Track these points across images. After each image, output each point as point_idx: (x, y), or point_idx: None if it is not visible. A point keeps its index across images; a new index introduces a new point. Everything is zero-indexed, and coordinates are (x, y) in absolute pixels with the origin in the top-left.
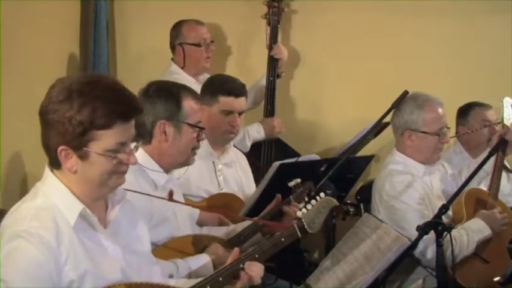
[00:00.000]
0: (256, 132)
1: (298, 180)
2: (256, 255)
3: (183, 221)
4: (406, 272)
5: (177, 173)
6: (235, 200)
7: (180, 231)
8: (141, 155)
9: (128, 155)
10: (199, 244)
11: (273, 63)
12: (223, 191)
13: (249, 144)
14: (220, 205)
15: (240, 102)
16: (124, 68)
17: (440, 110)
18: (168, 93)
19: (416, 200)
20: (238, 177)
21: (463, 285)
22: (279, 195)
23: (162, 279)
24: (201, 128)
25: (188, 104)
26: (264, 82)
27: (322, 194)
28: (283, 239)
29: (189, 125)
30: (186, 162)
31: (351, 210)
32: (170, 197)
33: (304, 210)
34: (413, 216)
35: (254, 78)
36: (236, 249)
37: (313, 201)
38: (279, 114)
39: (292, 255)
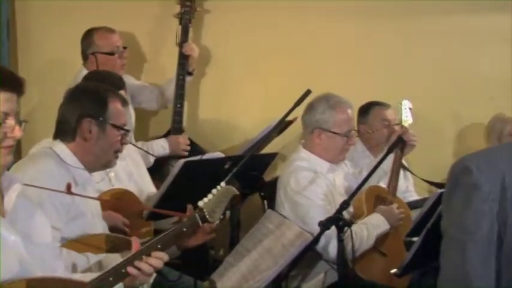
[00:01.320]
0: (161, 148)
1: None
2: (159, 246)
3: (99, 220)
4: (308, 266)
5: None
6: (128, 195)
7: (96, 229)
8: (64, 151)
9: (13, 128)
10: (110, 243)
11: (183, 60)
12: (115, 187)
13: (152, 160)
14: (113, 202)
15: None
16: (26, 68)
17: (350, 112)
18: (95, 92)
19: (320, 196)
20: (129, 170)
21: (362, 278)
22: (190, 206)
23: (67, 273)
24: (126, 131)
25: (114, 106)
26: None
27: (222, 184)
28: (185, 229)
29: (114, 126)
30: (108, 164)
31: None
32: (68, 189)
33: (205, 199)
34: (316, 211)
35: (167, 77)
36: (136, 240)
37: (214, 191)
38: (188, 111)
39: (197, 252)
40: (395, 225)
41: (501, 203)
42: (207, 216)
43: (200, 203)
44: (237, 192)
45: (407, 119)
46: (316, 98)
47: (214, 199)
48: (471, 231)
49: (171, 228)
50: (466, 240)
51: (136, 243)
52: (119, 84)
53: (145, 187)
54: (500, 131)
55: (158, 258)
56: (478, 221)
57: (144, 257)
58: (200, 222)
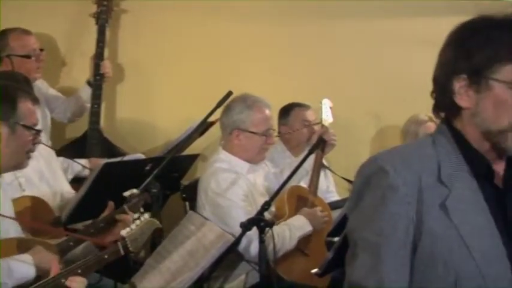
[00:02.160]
0: (81, 168)
1: (134, 190)
2: (79, 271)
3: (12, 223)
4: (230, 267)
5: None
6: (39, 203)
7: (7, 234)
8: None
9: None
10: (23, 247)
11: (99, 61)
12: (26, 193)
13: (70, 177)
14: (22, 211)
15: None
16: None
17: (267, 112)
18: (3, 93)
19: (241, 197)
20: (40, 170)
21: (284, 278)
22: (111, 203)
23: None
24: (38, 131)
25: (24, 105)
26: (83, 94)
27: (146, 215)
28: (106, 256)
29: (25, 126)
30: (20, 165)
31: None
32: None
33: (128, 229)
34: (238, 212)
35: (85, 77)
36: (56, 264)
37: (137, 222)
38: (106, 112)
39: None
40: (318, 228)
41: (417, 206)
42: (129, 246)
43: (123, 233)
44: (160, 226)
45: (327, 118)
46: (234, 99)
47: (137, 229)
48: (387, 234)
49: (93, 256)
50: (381, 243)
51: (55, 267)
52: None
53: (57, 186)
54: (415, 132)
55: (79, 283)
56: (394, 223)
57: (63, 280)
58: (122, 252)
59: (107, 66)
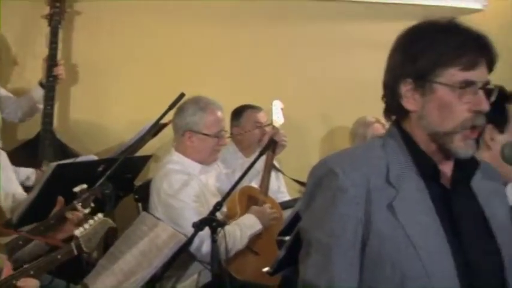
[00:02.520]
0: (25, 177)
1: (84, 185)
2: (31, 272)
3: None
4: (182, 267)
5: None
6: None
7: None
8: None
9: None
10: None
11: (52, 62)
12: None
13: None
14: None
15: None
16: None
17: (220, 114)
18: None
19: (193, 198)
20: None
21: (236, 277)
22: (61, 198)
23: None
24: None
25: None
26: (35, 95)
27: (100, 215)
28: (59, 257)
29: None
30: None
31: None
32: None
33: (81, 229)
34: (190, 213)
35: (37, 79)
36: (7, 264)
37: (91, 221)
38: (59, 114)
39: None
40: (267, 225)
41: (366, 206)
42: (83, 246)
43: (77, 232)
44: (114, 225)
45: (278, 119)
46: (186, 101)
47: (90, 229)
48: (337, 235)
49: (45, 256)
50: (331, 243)
51: (7, 268)
52: None
53: (9, 187)
54: (363, 134)
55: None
56: (343, 224)
57: (14, 282)
58: (75, 252)
59: (60, 68)
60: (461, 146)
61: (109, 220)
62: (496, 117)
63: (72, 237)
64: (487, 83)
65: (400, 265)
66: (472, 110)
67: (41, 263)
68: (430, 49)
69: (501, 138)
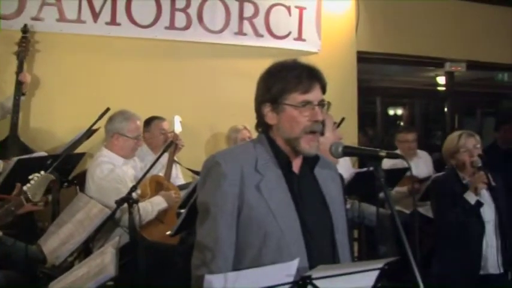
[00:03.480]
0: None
1: (37, 174)
2: None
3: None
4: (108, 231)
5: None
6: None
7: None
8: None
9: None
10: None
11: (19, 86)
12: None
13: None
14: None
15: None
16: None
17: (138, 122)
18: None
19: (117, 181)
20: None
21: (147, 239)
22: (18, 184)
23: None
24: None
25: None
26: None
27: (42, 172)
28: (13, 208)
29: None
30: None
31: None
32: None
33: (28, 185)
34: (114, 193)
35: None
36: None
37: (35, 177)
38: (22, 122)
39: (27, 224)
40: (171, 205)
41: (240, 186)
42: (30, 197)
43: (24, 188)
44: (54, 177)
45: (178, 128)
46: (116, 113)
47: (35, 184)
48: (220, 206)
49: (1, 208)
50: (217, 212)
51: None
52: None
53: None
54: (235, 137)
55: None
56: (225, 199)
57: None
58: (25, 202)
59: (25, 76)
60: (306, 147)
61: (50, 175)
62: None
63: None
64: (321, 100)
65: (264, 225)
66: (311, 120)
67: (0, 214)
68: (279, 81)
69: (323, 139)
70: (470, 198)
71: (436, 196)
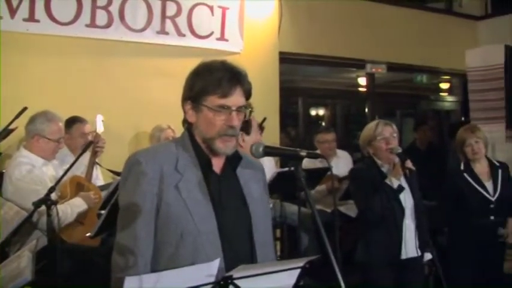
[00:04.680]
0: None
1: None
2: None
3: None
4: (26, 234)
5: None
6: None
7: None
8: None
9: None
10: None
11: None
12: None
13: None
14: None
15: None
16: None
17: (61, 125)
18: None
19: (36, 182)
20: None
21: (66, 241)
22: None
23: None
24: None
25: None
26: None
27: None
28: None
29: None
30: None
31: None
32: None
33: None
34: (32, 194)
35: None
36: None
37: None
38: None
39: None
40: (91, 206)
41: (159, 185)
42: None
43: None
44: None
45: (100, 128)
46: (37, 113)
47: None
48: (139, 204)
49: None
50: (136, 210)
51: None
52: None
53: None
54: (158, 136)
55: None
56: (144, 198)
57: None
58: None
59: None
60: (222, 147)
61: None
62: (244, 126)
63: None
64: (241, 106)
65: (181, 224)
66: (226, 125)
67: None
68: (201, 81)
69: (248, 139)
70: (393, 182)
71: (356, 184)
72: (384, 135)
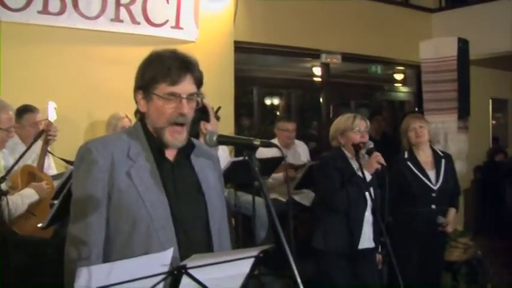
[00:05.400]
0: None
1: None
2: None
3: None
4: None
5: None
6: None
7: None
8: None
9: None
10: None
11: None
12: None
13: None
14: None
15: None
16: None
17: (11, 113)
18: None
19: None
20: None
21: (18, 233)
22: None
23: None
24: None
25: None
26: None
27: None
28: None
29: None
30: None
31: None
32: None
33: None
34: None
35: None
36: None
37: None
38: None
39: None
40: (43, 197)
41: (110, 173)
42: None
43: None
44: None
45: (52, 116)
46: None
47: None
48: (90, 192)
49: None
50: (87, 199)
51: None
52: None
53: None
54: (115, 125)
55: None
56: (95, 186)
57: None
58: None
59: None
60: (170, 139)
61: None
62: (202, 115)
63: None
64: (192, 94)
65: (133, 212)
66: (176, 112)
67: None
68: (151, 69)
69: (209, 126)
70: (366, 175)
71: (325, 173)
72: (359, 128)
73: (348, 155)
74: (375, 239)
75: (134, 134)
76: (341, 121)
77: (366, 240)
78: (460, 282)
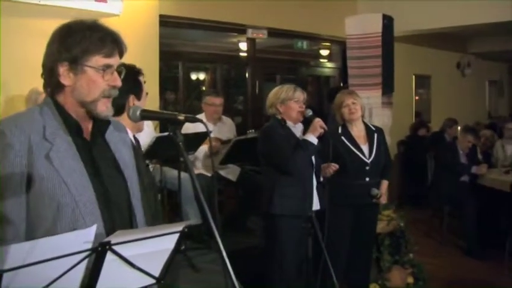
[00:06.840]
0: None
1: None
2: None
3: None
4: None
5: None
6: None
7: None
8: None
9: None
10: None
11: None
12: None
13: None
14: None
15: None
16: None
17: None
18: None
19: None
20: None
21: None
22: None
23: None
24: None
25: None
26: None
27: None
28: None
29: None
30: None
31: None
32: None
33: None
34: None
35: None
36: None
37: None
38: None
39: None
40: None
41: (28, 157)
42: None
43: None
44: None
45: None
46: None
47: None
48: (8, 178)
49: None
50: (4, 185)
51: None
52: None
53: None
54: (35, 99)
55: None
56: (12, 171)
57: None
58: None
59: None
60: (104, 110)
61: None
62: (134, 90)
63: None
64: (120, 66)
65: (56, 197)
66: (109, 85)
67: None
68: (81, 41)
69: (138, 103)
70: (312, 139)
71: (273, 140)
72: (299, 98)
73: (289, 122)
74: (320, 202)
75: (47, 111)
76: (282, 90)
77: (315, 202)
78: (383, 253)
